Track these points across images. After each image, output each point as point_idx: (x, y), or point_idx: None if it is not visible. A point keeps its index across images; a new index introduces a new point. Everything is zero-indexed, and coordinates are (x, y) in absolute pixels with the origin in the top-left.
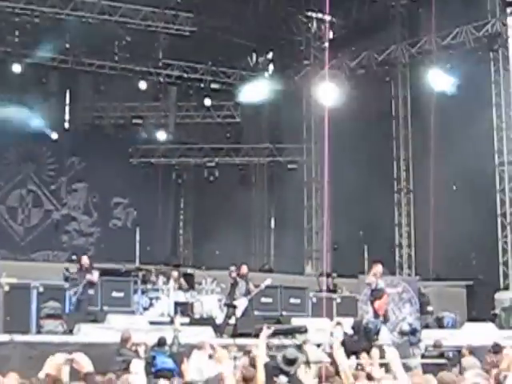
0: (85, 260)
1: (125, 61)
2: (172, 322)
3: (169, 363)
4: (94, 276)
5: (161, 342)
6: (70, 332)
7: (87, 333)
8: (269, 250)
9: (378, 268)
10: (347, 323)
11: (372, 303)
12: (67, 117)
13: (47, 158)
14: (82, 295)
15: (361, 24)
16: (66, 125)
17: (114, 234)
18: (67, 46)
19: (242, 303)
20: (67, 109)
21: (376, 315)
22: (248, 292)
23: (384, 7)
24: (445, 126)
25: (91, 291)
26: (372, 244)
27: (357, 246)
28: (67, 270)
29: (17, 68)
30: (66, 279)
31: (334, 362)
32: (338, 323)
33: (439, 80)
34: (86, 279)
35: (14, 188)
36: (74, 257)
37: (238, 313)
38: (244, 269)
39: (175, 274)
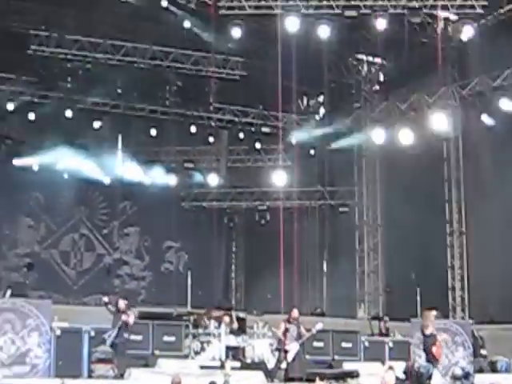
0: (121, 304)
1: (176, 105)
2: (222, 366)
3: None
4: (130, 318)
5: None
6: (121, 376)
7: (138, 377)
8: (321, 293)
9: (433, 314)
10: (399, 367)
11: (427, 349)
12: (119, 162)
13: (100, 203)
14: (116, 338)
15: (411, 66)
16: (118, 170)
17: (166, 278)
18: (119, 91)
19: (293, 347)
20: (119, 154)
21: (429, 360)
22: (299, 336)
23: (434, 49)
24: (497, 166)
25: (126, 334)
26: (425, 286)
27: (409, 289)
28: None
29: (69, 113)
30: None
31: None
32: (390, 367)
33: (490, 121)
34: (121, 320)
35: (67, 232)
36: (105, 299)
37: (290, 357)
38: (295, 313)
39: (227, 318)
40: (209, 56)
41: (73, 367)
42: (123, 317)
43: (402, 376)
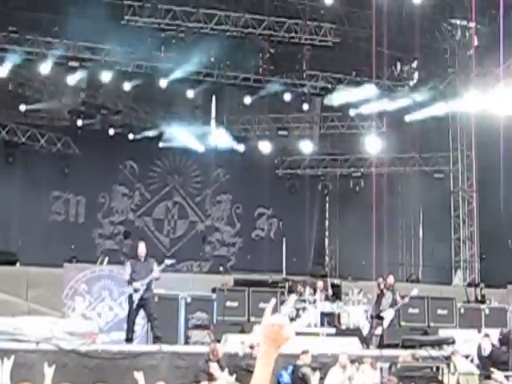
0: (142, 248)
1: (269, 73)
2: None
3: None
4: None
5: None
6: (218, 342)
7: (234, 343)
8: (416, 260)
9: None
10: (495, 334)
11: None
12: (213, 130)
13: (193, 171)
14: (145, 292)
15: (507, 30)
16: (212, 138)
17: (256, 245)
18: (212, 59)
19: (388, 314)
20: (213, 122)
21: None
22: (395, 303)
23: None
24: None
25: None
26: None
27: (505, 256)
28: None
29: (163, 83)
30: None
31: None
32: (486, 335)
33: None
34: (152, 275)
35: (161, 200)
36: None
37: (385, 324)
38: (390, 279)
39: (321, 284)
40: (301, 23)
41: (170, 333)
42: (154, 274)
43: (497, 343)
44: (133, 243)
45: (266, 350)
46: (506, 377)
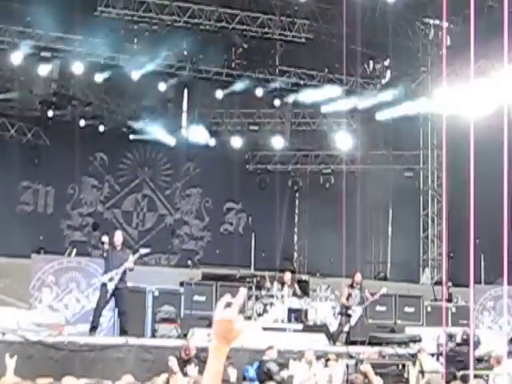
0: (118, 236)
1: (241, 68)
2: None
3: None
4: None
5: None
6: (185, 336)
7: (201, 337)
8: (384, 257)
9: None
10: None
11: None
12: (184, 123)
13: (163, 164)
14: (119, 282)
15: (479, 31)
16: (183, 131)
17: (225, 239)
18: (185, 53)
19: (356, 311)
20: (184, 115)
21: None
22: (362, 300)
23: (502, 14)
24: None
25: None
26: (489, 253)
27: (473, 255)
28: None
29: (135, 75)
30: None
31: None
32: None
33: None
34: (125, 265)
35: (130, 193)
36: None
37: (353, 321)
38: (358, 277)
39: (289, 277)
40: (275, 18)
41: (137, 326)
42: (128, 264)
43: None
44: (101, 235)
45: (218, 345)
46: (464, 376)
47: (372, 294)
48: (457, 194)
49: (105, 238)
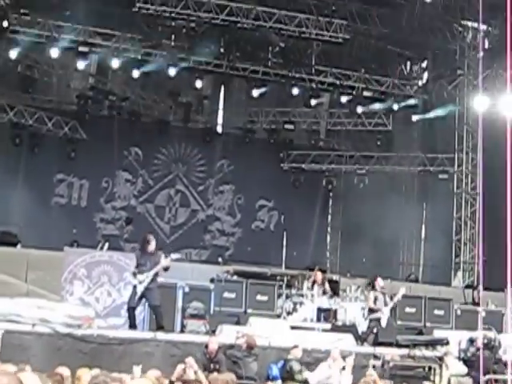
0: (151, 240)
1: (278, 66)
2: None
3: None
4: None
5: None
6: (213, 333)
7: (229, 334)
8: (417, 259)
9: None
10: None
11: None
12: (220, 120)
13: (198, 160)
14: (150, 283)
15: None
16: (219, 128)
17: (255, 236)
18: (222, 50)
19: (384, 313)
20: (220, 113)
21: None
22: (386, 304)
23: None
24: None
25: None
26: None
27: (505, 259)
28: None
29: (172, 71)
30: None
31: None
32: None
33: None
34: (159, 265)
35: (163, 188)
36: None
37: (383, 323)
38: (379, 281)
39: (320, 276)
40: (312, 18)
41: (166, 321)
42: (164, 262)
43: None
44: (144, 236)
45: None
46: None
47: (391, 297)
48: (490, 198)
49: (151, 240)
